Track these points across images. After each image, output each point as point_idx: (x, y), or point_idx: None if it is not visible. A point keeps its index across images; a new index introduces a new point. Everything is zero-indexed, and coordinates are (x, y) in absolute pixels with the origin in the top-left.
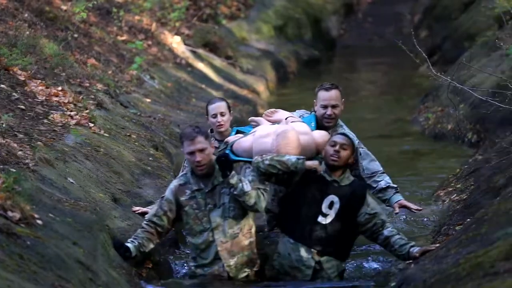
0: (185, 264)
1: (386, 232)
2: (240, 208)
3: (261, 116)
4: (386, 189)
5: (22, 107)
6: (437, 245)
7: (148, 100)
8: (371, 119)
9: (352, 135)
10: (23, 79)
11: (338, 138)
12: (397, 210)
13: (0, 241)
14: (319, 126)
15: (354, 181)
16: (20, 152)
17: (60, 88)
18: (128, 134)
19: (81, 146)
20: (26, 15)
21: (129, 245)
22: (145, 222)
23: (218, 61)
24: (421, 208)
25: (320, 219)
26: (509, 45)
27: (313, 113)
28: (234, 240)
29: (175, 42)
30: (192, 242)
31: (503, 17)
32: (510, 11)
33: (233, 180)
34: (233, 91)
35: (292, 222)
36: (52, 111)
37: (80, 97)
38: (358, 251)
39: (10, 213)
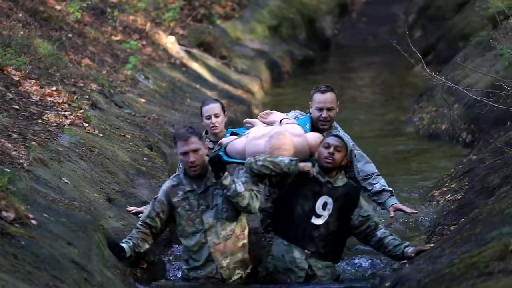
0: (179, 266)
1: (379, 233)
2: (233, 210)
3: (256, 117)
4: (381, 192)
5: (17, 107)
6: (432, 245)
7: (143, 100)
8: (365, 119)
9: (346, 137)
10: (17, 79)
11: (332, 140)
12: (392, 213)
13: None
14: (314, 128)
15: (348, 183)
16: (14, 152)
17: (54, 88)
18: (123, 134)
19: (75, 146)
20: (20, 15)
21: (123, 245)
22: (139, 223)
23: (212, 61)
24: (416, 211)
25: (314, 220)
26: (503, 45)
27: (308, 114)
28: (227, 242)
29: (170, 42)
30: (184, 243)
31: (497, 17)
32: (504, 11)
33: (226, 181)
34: (227, 91)
35: (286, 223)
36: (46, 111)
37: (75, 97)
38: (353, 250)
39: (4, 213)
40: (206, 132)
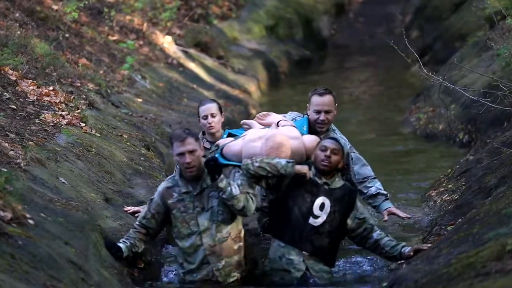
0: (175, 269)
1: (375, 235)
2: (229, 212)
3: (253, 118)
4: (376, 196)
5: (14, 107)
6: (429, 245)
7: (140, 100)
8: (362, 119)
9: (344, 139)
10: (14, 79)
11: (329, 143)
12: (386, 217)
13: None
14: (312, 130)
15: (345, 185)
16: (11, 152)
17: (51, 88)
18: (120, 134)
19: (72, 146)
20: (17, 14)
21: (121, 245)
22: (136, 223)
23: (209, 61)
24: (409, 216)
25: (311, 220)
26: (500, 46)
27: (305, 116)
28: (223, 244)
29: (167, 42)
30: (180, 245)
31: (494, 17)
32: (501, 11)
33: (221, 184)
34: (224, 91)
35: (283, 224)
36: (43, 111)
37: (72, 97)
38: (350, 249)
39: (1, 213)
40: (204, 133)
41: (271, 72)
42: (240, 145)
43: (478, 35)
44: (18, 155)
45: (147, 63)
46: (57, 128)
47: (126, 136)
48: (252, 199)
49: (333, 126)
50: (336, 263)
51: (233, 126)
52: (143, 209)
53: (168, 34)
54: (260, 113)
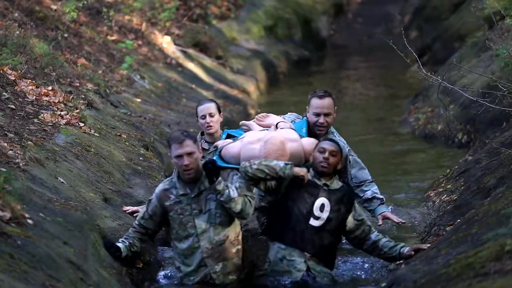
0: (172, 270)
1: (373, 236)
2: (227, 215)
3: (252, 119)
4: (372, 200)
5: (12, 106)
6: (429, 244)
7: (139, 100)
8: (361, 120)
9: (342, 142)
10: (13, 78)
11: (327, 145)
12: (380, 222)
13: None
14: (311, 132)
15: (343, 186)
16: (10, 152)
17: (50, 88)
18: (119, 134)
19: (71, 146)
20: (16, 14)
21: (120, 245)
22: (135, 222)
23: (208, 61)
24: (404, 221)
25: (312, 221)
26: (499, 46)
27: (305, 118)
28: (221, 247)
29: (165, 42)
30: (178, 247)
31: (493, 17)
32: (500, 11)
33: (219, 186)
34: (223, 91)
35: (283, 226)
36: (42, 111)
37: (71, 96)
38: (349, 250)
39: (0, 213)
40: (202, 133)
41: (270, 72)
42: (238, 147)
43: (477, 36)
44: (17, 154)
45: (146, 63)
46: (56, 128)
47: (125, 136)
48: (250, 201)
49: (332, 129)
50: (336, 262)
51: (232, 126)
52: (141, 209)
53: (167, 34)
54: (259, 115)
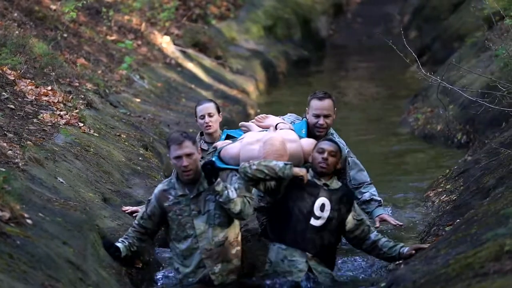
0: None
1: (372, 236)
2: (226, 216)
3: (252, 120)
4: (370, 202)
5: (12, 106)
6: (428, 244)
7: (138, 100)
8: (360, 120)
9: (342, 144)
10: (12, 78)
11: (326, 145)
12: (377, 224)
13: None
14: (310, 133)
15: (343, 186)
16: (10, 152)
17: (49, 88)
18: (118, 134)
19: (71, 146)
20: (15, 14)
21: (119, 244)
22: (135, 222)
23: (207, 61)
24: (402, 223)
25: (313, 221)
26: (498, 46)
27: (304, 119)
28: (220, 248)
29: (165, 42)
30: (177, 247)
31: (493, 17)
32: (499, 11)
33: (218, 187)
34: (222, 91)
35: (283, 227)
36: (41, 111)
37: (70, 96)
38: (348, 250)
39: (0, 213)
40: (201, 134)
41: (269, 72)
42: (237, 148)
43: (476, 36)
44: (16, 154)
45: (145, 63)
46: (56, 128)
47: (124, 136)
48: (249, 202)
49: (331, 131)
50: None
51: (231, 126)
52: (141, 209)
53: (166, 34)
54: (258, 116)
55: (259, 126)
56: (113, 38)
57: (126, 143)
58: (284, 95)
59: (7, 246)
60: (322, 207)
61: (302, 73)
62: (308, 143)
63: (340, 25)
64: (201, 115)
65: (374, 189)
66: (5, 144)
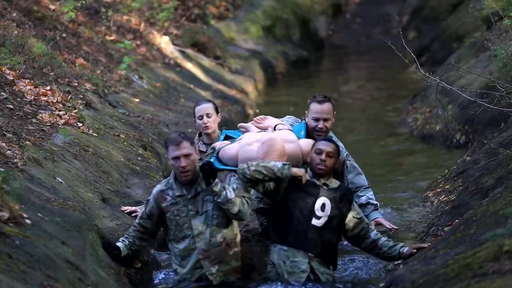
0: (169, 272)
1: (372, 235)
2: (224, 217)
3: (250, 121)
4: (366, 205)
5: (11, 106)
6: (428, 244)
7: (137, 100)
8: (359, 120)
9: (341, 147)
10: (11, 78)
11: (324, 145)
12: (372, 227)
13: None
14: (309, 136)
15: (341, 185)
16: (8, 152)
17: (48, 88)
18: (117, 134)
19: (69, 146)
20: (14, 14)
21: (119, 244)
22: (136, 221)
23: (206, 61)
24: (397, 227)
25: (314, 221)
26: (497, 46)
27: (303, 121)
28: (217, 249)
29: (164, 42)
30: (175, 247)
31: (491, 18)
32: (498, 12)
33: (216, 188)
34: (221, 91)
35: (284, 228)
36: (40, 111)
37: (69, 96)
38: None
39: None
40: (200, 134)
41: (268, 72)
42: (236, 148)
43: (475, 36)
44: (15, 154)
45: (144, 63)
46: (54, 128)
47: (123, 136)
48: (247, 202)
49: (331, 134)
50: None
51: (230, 126)
52: (140, 209)
53: (165, 34)
54: (257, 117)
55: (258, 127)
56: (112, 38)
57: (125, 143)
58: (283, 95)
59: (6, 246)
60: (323, 207)
61: (301, 73)
62: (306, 143)
63: (339, 25)
64: (200, 116)
65: (371, 192)
66: (4, 144)
